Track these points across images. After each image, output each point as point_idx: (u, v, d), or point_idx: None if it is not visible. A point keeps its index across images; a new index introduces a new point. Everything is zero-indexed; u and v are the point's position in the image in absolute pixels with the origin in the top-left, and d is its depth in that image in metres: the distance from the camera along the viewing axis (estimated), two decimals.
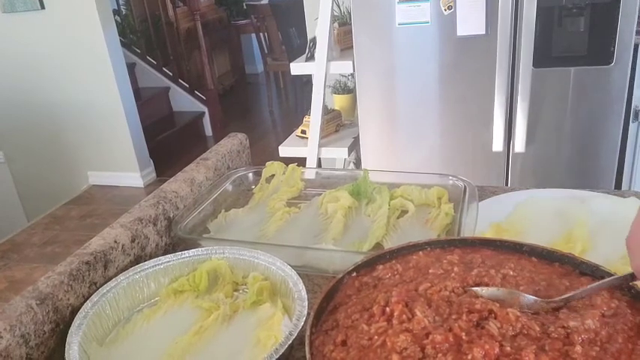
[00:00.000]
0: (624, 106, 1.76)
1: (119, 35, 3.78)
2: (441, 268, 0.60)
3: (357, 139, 2.29)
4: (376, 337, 0.51)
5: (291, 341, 0.60)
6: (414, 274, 0.60)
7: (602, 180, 1.86)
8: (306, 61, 2.26)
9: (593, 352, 0.47)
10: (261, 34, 5.21)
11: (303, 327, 0.61)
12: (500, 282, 0.57)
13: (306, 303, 0.66)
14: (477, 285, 0.57)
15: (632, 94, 1.91)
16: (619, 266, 0.73)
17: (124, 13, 4.84)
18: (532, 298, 0.54)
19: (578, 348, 0.47)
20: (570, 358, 0.46)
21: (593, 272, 0.58)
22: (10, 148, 3.91)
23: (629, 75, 1.69)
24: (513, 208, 0.90)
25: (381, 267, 0.62)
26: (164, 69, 4.84)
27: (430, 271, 0.59)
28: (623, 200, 0.89)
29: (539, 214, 0.87)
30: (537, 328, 0.50)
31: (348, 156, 2.29)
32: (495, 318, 0.51)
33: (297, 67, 2.27)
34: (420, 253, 0.64)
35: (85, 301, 0.71)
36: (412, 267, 0.61)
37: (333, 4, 2.06)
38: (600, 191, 0.94)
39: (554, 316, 0.52)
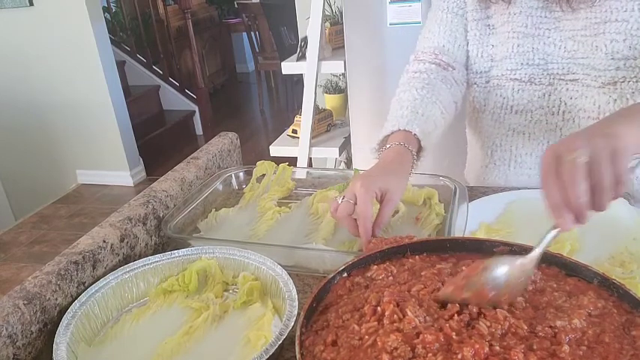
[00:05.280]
0: None
1: (109, 33, 3.75)
2: (434, 269, 0.60)
3: (347, 139, 2.29)
4: (367, 336, 0.51)
5: (281, 341, 0.60)
6: (408, 277, 0.60)
7: None
8: (297, 60, 2.26)
9: (580, 352, 0.48)
10: (252, 33, 5.20)
11: (293, 327, 0.61)
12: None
13: (296, 303, 0.66)
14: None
15: None
16: (607, 267, 0.74)
17: (113, 10, 4.80)
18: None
19: (566, 347, 0.47)
20: (558, 358, 0.47)
21: (582, 273, 0.59)
22: None
23: None
24: (503, 209, 0.91)
25: (375, 267, 0.63)
26: (154, 67, 4.80)
27: (422, 273, 0.59)
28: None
29: (528, 215, 0.88)
30: (525, 327, 0.50)
31: (339, 156, 2.30)
32: (485, 317, 0.51)
33: (289, 67, 2.27)
34: (417, 257, 0.64)
35: (73, 301, 0.70)
36: (407, 270, 0.62)
37: (324, 3, 2.06)
38: None
39: (541, 316, 0.52)
